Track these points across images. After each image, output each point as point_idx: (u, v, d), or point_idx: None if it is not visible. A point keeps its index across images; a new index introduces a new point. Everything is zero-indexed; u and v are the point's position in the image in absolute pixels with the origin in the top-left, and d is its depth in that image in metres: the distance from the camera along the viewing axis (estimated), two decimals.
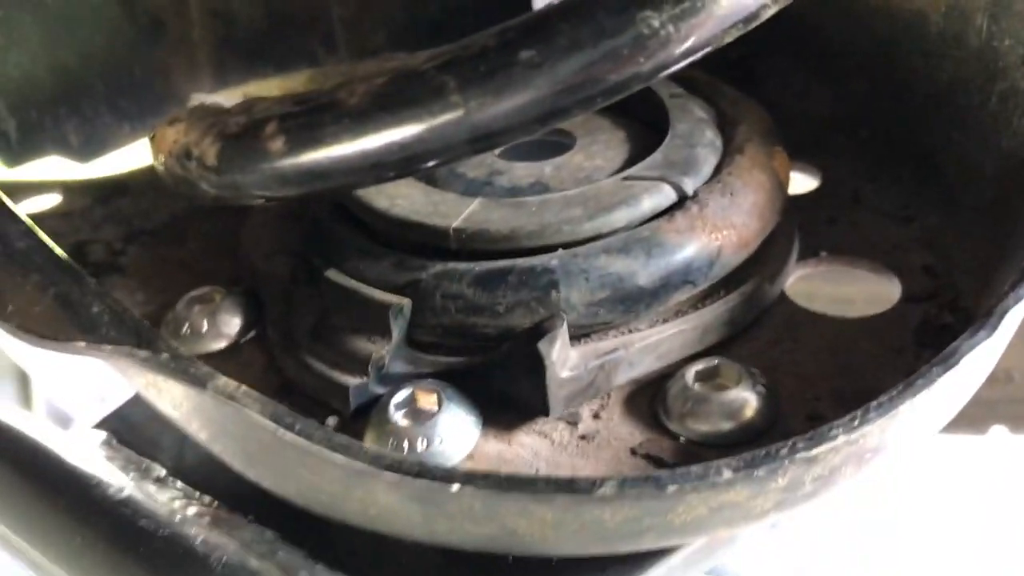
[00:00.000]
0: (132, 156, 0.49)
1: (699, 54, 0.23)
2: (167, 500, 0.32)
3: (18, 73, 0.47)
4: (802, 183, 0.42)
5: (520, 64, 0.22)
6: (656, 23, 0.22)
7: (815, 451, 0.24)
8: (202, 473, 0.35)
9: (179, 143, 0.27)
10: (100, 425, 0.38)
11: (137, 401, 0.40)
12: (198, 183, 0.27)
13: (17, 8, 0.46)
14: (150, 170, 0.45)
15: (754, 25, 0.24)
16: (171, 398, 0.28)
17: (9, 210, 0.29)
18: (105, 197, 0.44)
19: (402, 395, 0.30)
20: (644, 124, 0.37)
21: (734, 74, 0.43)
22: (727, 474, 0.23)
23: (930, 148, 0.39)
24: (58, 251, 0.28)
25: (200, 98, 0.32)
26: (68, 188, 0.45)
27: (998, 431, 0.72)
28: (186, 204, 0.43)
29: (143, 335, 0.25)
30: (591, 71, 0.22)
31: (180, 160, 0.27)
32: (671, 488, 0.23)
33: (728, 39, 0.23)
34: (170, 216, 0.42)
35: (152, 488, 0.32)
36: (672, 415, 0.30)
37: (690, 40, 0.23)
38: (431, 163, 0.24)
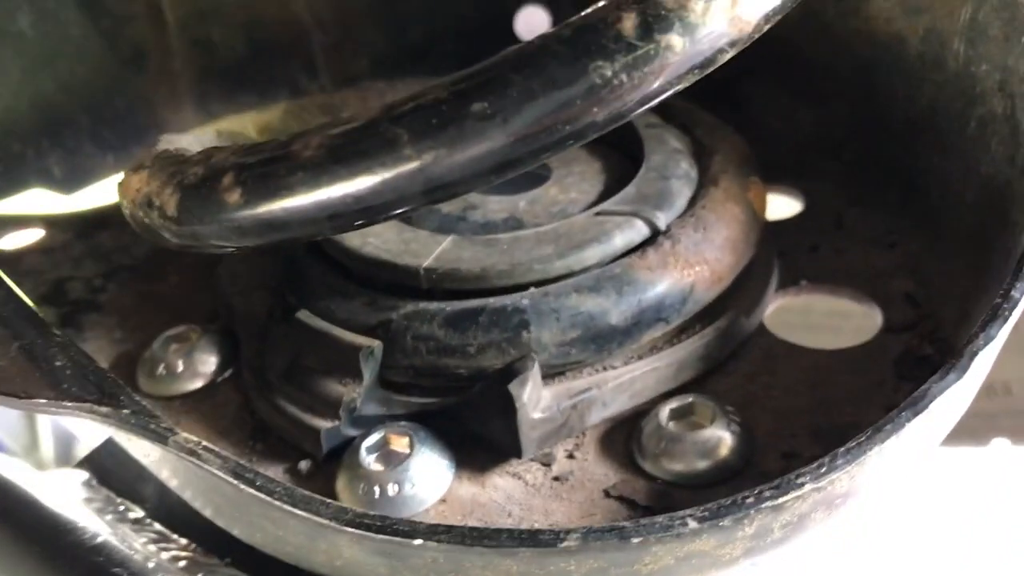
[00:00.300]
0: (108, 194, 0.49)
1: (655, 100, 0.23)
2: (142, 544, 0.32)
3: (0, 106, 0.47)
4: (785, 206, 0.42)
5: (472, 116, 0.22)
6: (608, 72, 0.22)
7: (782, 499, 0.23)
8: (180, 514, 0.35)
9: (142, 191, 0.27)
10: (81, 464, 0.38)
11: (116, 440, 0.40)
12: (160, 231, 0.27)
13: None
14: None
15: (711, 69, 0.23)
16: (139, 447, 0.28)
17: None
18: (86, 232, 0.44)
19: (374, 438, 0.30)
20: (620, 153, 0.37)
21: (716, 97, 0.42)
22: (692, 524, 0.23)
23: (913, 172, 0.38)
24: (26, 301, 0.28)
25: (169, 139, 0.32)
26: (49, 222, 0.45)
27: (999, 443, 0.72)
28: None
29: (106, 389, 0.25)
30: (544, 122, 0.22)
31: (143, 208, 0.27)
32: (636, 540, 0.23)
33: (685, 84, 0.23)
34: (150, 250, 0.42)
35: (129, 531, 0.32)
36: (647, 455, 0.29)
37: (644, 88, 0.22)
38: (388, 214, 0.24)
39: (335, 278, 0.33)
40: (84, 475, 0.37)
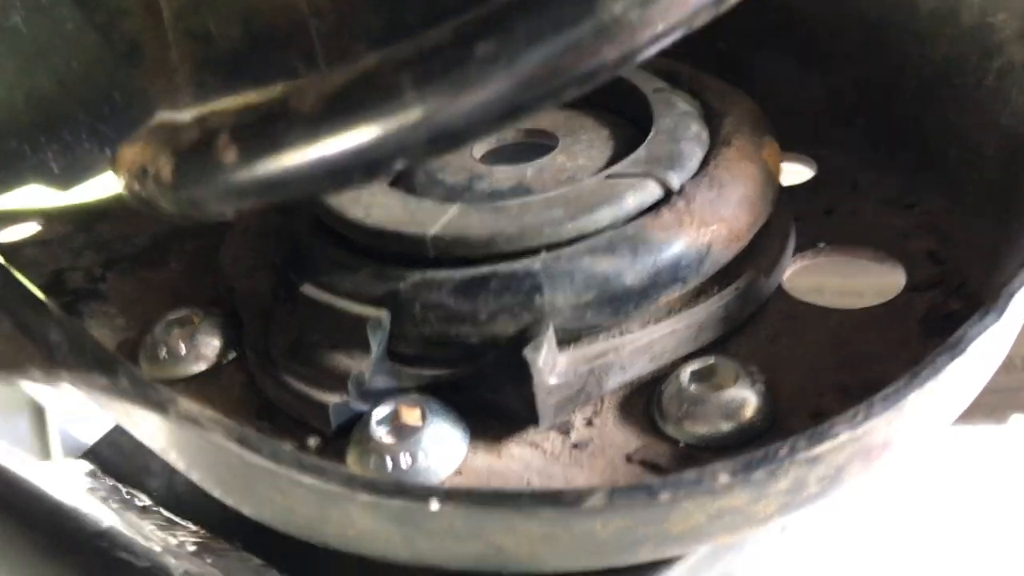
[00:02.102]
0: (114, 183, 0.48)
1: (668, 40, 0.22)
2: (150, 530, 0.31)
3: None
4: (798, 174, 0.41)
5: (477, 59, 0.21)
6: (618, 9, 0.21)
7: (817, 450, 0.22)
8: (189, 500, 0.34)
9: (136, 162, 0.26)
10: (86, 455, 0.37)
11: (121, 429, 0.39)
12: (157, 201, 0.26)
13: None
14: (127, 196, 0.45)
15: (726, 7, 0.22)
16: (144, 427, 0.27)
17: None
18: (85, 223, 0.43)
19: (384, 411, 0.29)
20: (627, 121, 0.36)
21: (723, 68, 0.41)
22: (724, 479, 0.22)
23: (928, 132, 0.37)
24: (19, 278, 0.27)
25: (164, 116, 0.31)
26: (48, 216, 0.44)
27: (1018, 419, 0.70)
28: (167, 225, 0.42)
29: (104, 362, 0.24)
30: (553, 63, 0.21)
31: (138, 179, 0.26)
32: (664, 496, 0.22)
33: (699, 23, 0.22)
34: (151, 239, 0.41)
35: (135, 518, 0.31)
36: (668, 418, 0.28)
37: (657, 25, 0.21)
38: (391, 166, 0.23)
39: (339, 252, 0.32)
40: (88, 466, 0.36)
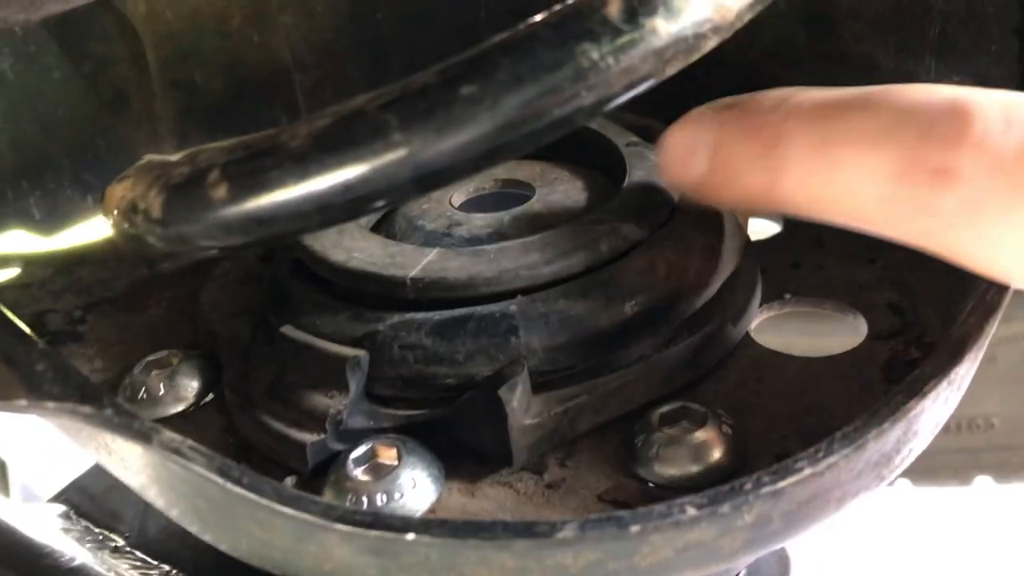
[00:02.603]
0: (95, 229, 0.49)
1: (641, 87, 0.23)
2: (124, 569, 0.31)
3: None
4: (765, 227, 0.42)
5: (461, 100, 0.22)
6: (595, 55, 0.22)
7: (780, 484, 0.23)
8: (163, 544, 0.34)
9: (126, 198, 0.27)
10: (57, 498, 0.37)
11: (95, 472, 0.39)
12: (146, 237, 0.26)
13: None
14: (109, 240, 0.45)
15: (695, 57, 0.24)
16: (121, 459, 0.27)
17: None
18: (65, 267, 0.43)
19: (361, 450, 0.29)
20: (601, 173, 0.37)
21: None
22: (691, 511, 0.23)
23: None
24: (4, 312, 0.27)
25: (152, 156, 0.32)
26: (28, 260, 0.44)
27: (983, 481, 0.71)
28: (146, 271, 0.42)
29: (88, 393, 0.24)
30: (533, 105, 0.22)
31: (127, 215, 0.27)
32: (634, 528, 0.22)
33: (670, 71, 0.23)
34: (130, 284, 0.42)
35: (109, 558, 0.31)
36: (639, 460, 0.29)
37: (630, 73, 0.22)
38: (377, 204, 0.23)
39: (319, 295, 0.33)
40: (60, 508, 0.36)
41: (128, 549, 0.33)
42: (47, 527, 0.32)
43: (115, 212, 0.28)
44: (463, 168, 0.23)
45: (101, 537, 0.34)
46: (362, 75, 0.51)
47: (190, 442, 0.23)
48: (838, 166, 0.25)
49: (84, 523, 0.35)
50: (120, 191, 0.28)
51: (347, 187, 0.23)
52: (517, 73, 0.22)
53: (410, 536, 0.22)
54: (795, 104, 0.26)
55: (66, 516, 0.35)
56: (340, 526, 0.22)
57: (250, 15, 0.48)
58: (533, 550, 0.22)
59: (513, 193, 0.37)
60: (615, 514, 0.22)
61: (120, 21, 0.48)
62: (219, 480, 0.23)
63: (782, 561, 0.32)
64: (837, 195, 0.25)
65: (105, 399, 0.24)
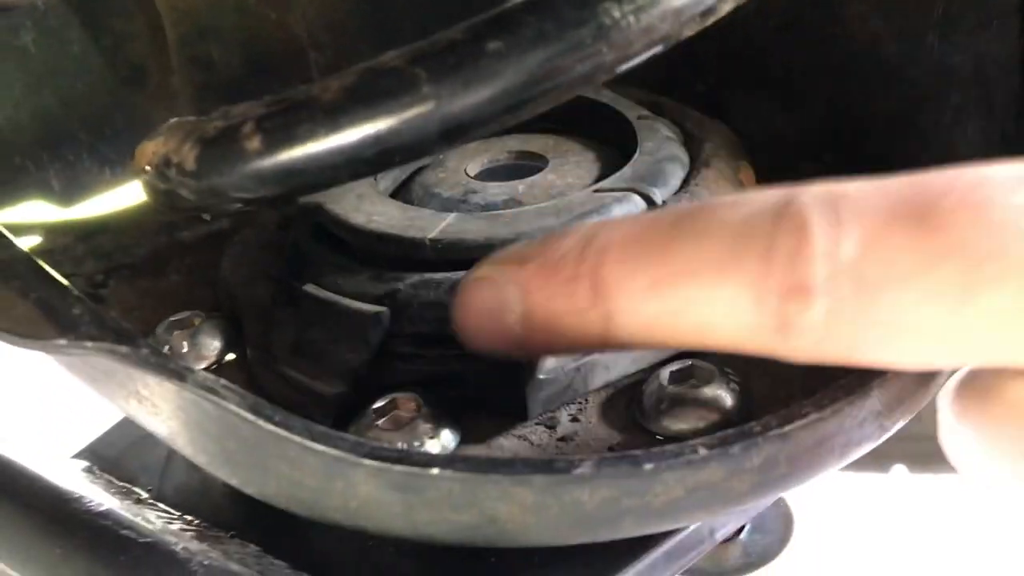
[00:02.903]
0: (113, 200, 0.50)
1: (658, 47, 0.24)
2: (148, 518, 0.32)
3: (2, 119, 0.47)
4: None
5: (488, 55, 0.23)
6: (617, 14, 0.23)
7: (787, 428, 0.24)
8: (184, 496, 0.35)
9: (159, 153, 0.28)
10: (80, 454, 0.38)
11: (116, 431, 0.40)
12: (178, 191, 0.27)
13: (1, 57, 0.47)
14: (130, 209, 0.47)
15: (711, 20, 0.25)
16: (152, 405, 0.28)
17: None
18: (85, 235, 0.44)
19: (381, 403, 0.30)
20: (612, 145, 0.38)
21: (699, 107, 0.44)
22: (703, 452, 0.24)
23: (895, 166, 0.40)
24: (38, 261, 0.28)
25: (180, 118, 0.33)
26: (49, 229, 0.45)
27: (899, 470, 0.72)
28: (165, 239, 0.43)
29: (123, 335, 0.25)
30: (556, 61, 0.23)
31: (160, 170, 0.28)
32: (648, 466, 0.23)
33: (687, 32, 0.24)
34: (151, 251, 0.43)
35: (133, 507, 0.32)
36: (649, 416, 0.30)
37: (649, 32, 0.24)
38: (404, 157, 0.25)
39: (339, 258, 0.34)
40: (82, 463, 0.37)
41: (151, 501, 0.34)
42: (72, 476, 0.33)
43: (147, 168, 0.29)
44: (488, 122, 0.24)
45: (124, 490, 0.35)
46: (374, 53, 0.52)
47: (223, 381, 0.24)
48: (684, 306, 0.23)
49: (107, 477, 0.36)
50: (152, 147, 0.29)
51: (377, 139, 0.24)
52: (542, 30, 0.23)
53: (435, 471, 0.23)
54: (603, 246, 0.24)
55: (88, 471, 0.36)
56: (368, 461, 0.24)
57: None
58: (551, 485, 0.23)
59: (526, 164, 0.38)
60: (630, 453, 0.24)
61: None
62: (251, 418, 0.24)
63: (785, 518, 0.33)
64: (689, 333, 0.24)
65: (140, 341, 0.25)
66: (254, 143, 0.25)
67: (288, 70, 0.51)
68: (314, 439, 0.24)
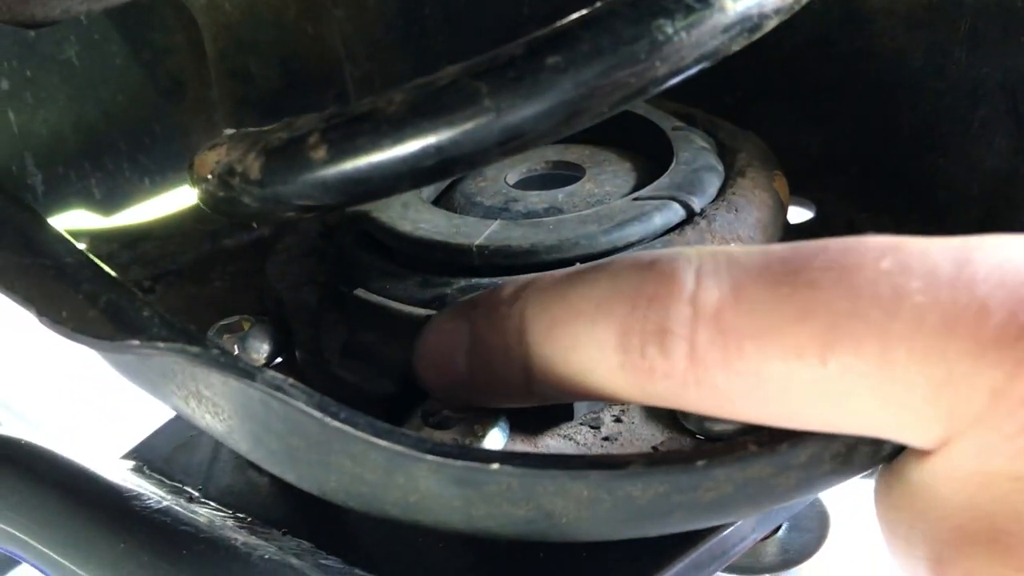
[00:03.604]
0: (152, 210, 0.51)
1: (708, 62, 0.25)
2: (201, 515, 0.33)
3: (45, 129, 0.49)
4: (797, 215, 0.44)
5: (547, 69, 0.24)
6: (669, 30, 0.24)
7: None
8: (231, 496, 0.36)
9: (221, 162, 0.29)
10: (128, 455, 0.39)
11: (160, 434, 0.41)
12: (240, 199, 0.29)
13: (46, 69, 0.48)
14: (172, 217, 0.48)
15: (757, 36, 0.26)
16: (212, 405, 0.29)
17: (54, 230, 0.31)
18: (130, 243, 0.45)
19: (431, 404, 0.31)
20: (648, 156, 0.39)
21: (728, 118, 0.45)
22: (752, 448, 0.25)
23: (918, 176, 0.41)
24: (104, 267, 0.30)
25: (230, 132, 0.34)
26: (94, 236, 0.46)
27: None
28: (208, 247, 0.45)
29: (193, 336, 0.26)
30: (611, 75, 0.24)
31: (223, 178, 0.29)
32: (700, 463, 0.24)
33: (735, 47, 0.25)
34: (194, 258, 0.44)
35: (187, 505, 0.33)
36: (690, 417, 0.31)
37: (700, 47, 0.25)
38: (464, 167, 0.26)
39: (387, 264, 0.35)
40: (131, 463, 0.38)
41: (201, 500, 0.35)
42: (129, 476, 0.34)
43: (209, 176, 0.30)
44: (545, 133, 0.25)
45: (176, 489, 0.36)
46: (408, 68, 0.53)
47: (290, 380, 0.25)
48: (570, 345, 0.25)
49: (157, 477, 0.37)
50: (214, 156, 0.30)
51: (439, 149, 0.25)
52: (598, 45, 0.24)
53: (494, 466, 0.24)
54: (530, 291, 0.26)
55: (139, 470, 0.37)
56: (430, 457, 0.25)
57: (305, 8, 0.51)
58: (606, 480, 0.24)
59: (564, 174, 0.39)
60: (682, 450, 0.25)
61: (180, 12, 0.50)
62: (318, 415, 0.25)
63: (822, 517, 0.34)
64: (576, 375, 0.25)
65: (208, 342, 0.26)
66: (320, 153, 0.26)
67: (324, 83, 0.53)
68: (378, 435, 0.25)
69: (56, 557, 0.32)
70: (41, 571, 0.33)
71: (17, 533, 0.33)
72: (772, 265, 0.23)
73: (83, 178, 0.50)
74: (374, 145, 0.25)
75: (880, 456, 0.26)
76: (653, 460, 0.24)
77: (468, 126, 0.25)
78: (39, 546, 0.32)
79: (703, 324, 0.23)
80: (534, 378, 0.26)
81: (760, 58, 0.46)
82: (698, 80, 0.40)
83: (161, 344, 0.26)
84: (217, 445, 0.40)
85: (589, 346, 0.25)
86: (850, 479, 0.27)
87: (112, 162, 0.51)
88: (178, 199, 0.52)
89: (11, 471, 0.34)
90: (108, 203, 0.51)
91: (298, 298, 0.37)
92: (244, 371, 0.25)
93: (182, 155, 0.52)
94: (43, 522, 0.32)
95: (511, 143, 0.25)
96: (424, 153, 0.25)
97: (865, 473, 0.28)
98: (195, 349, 0.26)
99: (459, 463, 0.24)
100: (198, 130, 0.52)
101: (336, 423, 0.25)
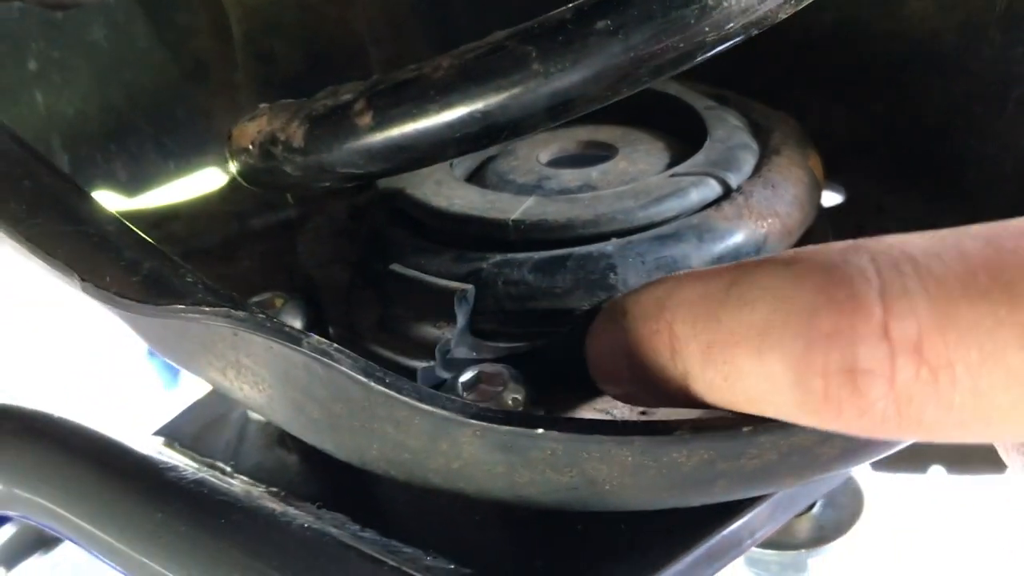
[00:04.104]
0: (176, 191, 0.51)
1: (755, 29, 0.25)
2: (234, 487, 0.33)
3: (71, 111, 0.49)
4: (827, 198, 0.44)
5: (596, 33, 0.24)
6: None
7: None
8: (264, 472, 0.36)
9: (263, 131, 0.29)
10: (159, 432, 0.39)
11: (188, 413, 0.41)
12: (282, 167, 0.29)
13: (72, 50, 0.49)
14: (198, 198, 0.48)
15: (803, 5, 0.26)
16: (252, 374, 0.29)
17: (94, 200, 0.30)
18: (157, 222, 0.45)
19: (468, 375, 0.31)
20: (680, 136, 0.39)
21: (759, 101, 0.45)
22: None
23: (950, 158, 0.41)
24: (145, 236, 0.29)
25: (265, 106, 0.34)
26: (121, 215, 0.46)
27: (936, 471, 0.72)
28: (237, 226, 0.45)
29: (237, 303, 0.26)
30: (661, 39, 0.24)
31: (264, 148, 0.29)
32: (745, 428, 0.24)
33: (783, 14, 0.25)
34: (222, 238, 0.44)
35: (222, 478, 0.33)
36: None
37: (747, 13, 0.25)
38: (511, 132, 0.26)
39: (421, 240, 0.35)
40: (162, 439, 0.38)
41: (234, 474, 0.35)
42: (162, 451, 0.35)
43: (249, 146, 0.30)
44: (593, 98, 0.25)
45: (208, 463, 0.36)
46: (433, 51, 0.53)
47: (335, 345, 0.25)
48: (732, 374, 0.22)
49: (189, 453, 0.37)
50: (255, 127, 0.30)
51: (486, 114, 0.25)
52: (648, 10, 0.24)
53: (539, 431, 0.24)
54: (676, 303, 0.24)
55: (169, 445, 0.37)
56: (475, 422, 0.24)
57: None
58: (652, 447, 0.24)
59: (596, 154, 0.39)
60: (729, 416, 0.24)
61: None
62: (364, 379, 0.25)
63: (856, 494, 0.34)
64: (743, 403, 0.23)
65: (252, 307, 0.26)
66: (365, 119, 0.26)
67: (348, 66, 0.53)
68: (423, 400, 0.25)
69: (92, 529, 0.32)
70: (76, 544, 0.33)
71: (51, 506, 0.33)
72: (976, 273, 0.19)
73: (108, 160, 0.50)
74: (421, 110, 0.25)
75: None
76: (699, 426, 0.24)
77: (516, 91, 0.25)
78: (74, 518, 0.32)
79: (903, 360, 0.19)
80: (696, 395, 0.24)
81: (790, 41, 0.46)
82: (727, 64, 0.40)
83: (207, 308, 0.25)
84: (245, 425, 0.40)
85: (757, 379, 0.22)
86: (893, 450, 0.27)
87: (137, 144, 0.51)
88: (202, 182, 0.52)
89: (42, 444, 0.34)
90: (133, 185, 0.51)
91: (328, 276, 0.37)
92: (291, 336, 0.25)
93: (206, 138, 0.52)
94: (78, 494, 0.32)
95: (559, 108, 0.25)
96: (471, 118, 0.25)
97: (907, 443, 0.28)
98: (241, 314, 0.25)
99: (504, 428, 0.24)
100: (222, 112, 0.52)
101: (381, 387, 0.25)
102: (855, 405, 0.20)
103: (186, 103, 0.52)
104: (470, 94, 0.25)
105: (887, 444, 0.27)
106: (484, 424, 0.24)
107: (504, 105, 0.25)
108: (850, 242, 0.21)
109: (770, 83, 0.47)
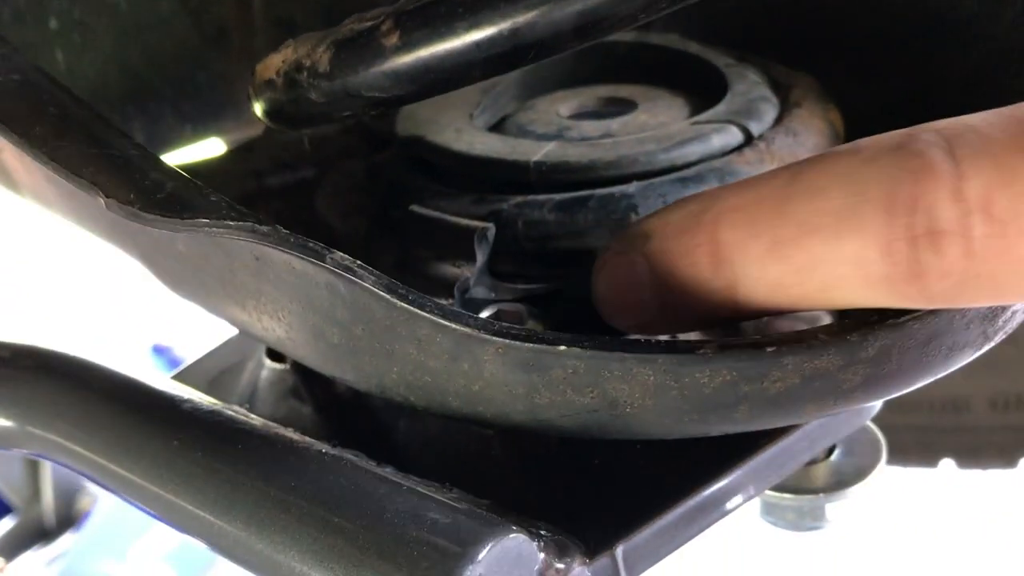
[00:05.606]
0: (194, 154, 0.52)
1: None
2: (251, 422, 0.33)
3: (92, 72, 0.49)
4: None
5: None
6: None
7: (902, 319, 0.25)
8: (278, 419, 0.36)
9: (289, 60, 0.29)
10: (176, 377, 0.39)
11: (204, 360, 0.41)
12: (307, 95, 0.29)
13: (95, 11, 0.49)
14: (214, 159, 0.48)
15: None
16: (273, 303, 0.29)
17: (117, 128, 0.31)
18: None
19: (486, 313, 0.31)
20: (700, 95, 0.39)
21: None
22: (822, 337, 0.24)
23: None
24: (161, 160, 0.30)
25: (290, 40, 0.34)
26: None
27: (947, 464, 0.72)
28: (254, 184, 0.45)
29: (261, 221, 0.26)
30: None
31: (289, 76, 0.29)
32: (769, 348, 0.24)
33: None
34: (239, 196, 0.44)
35: (239, 410, 0.33)
36: (746, 330, 0.31)
37: None
38: (538, 53, 0.26)
39: (441, 185, 0.35)
40: (178, 383, 0.38)
41: (248, 412, 0.35)
42: (176, 386, 0.34)
43: (273, 77, 0.30)
44: (623, 17, 0.25)
45: (225, 404, 0.36)
46: None
47: (359, 262, 0.25)
48: (808, 265, 0.23)
49: (206, 395, 0.37)
50: (280, 58, 0.30)
51: (514, 32, 0.25)
52: None
53: (562, 347, 0.24)
54: (719, 211, 0.24)
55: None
56: (497, 339, 0.24)
57: None
58: (674, 365, 0.24)
59: (617, 109, 0.39)
60: (753, 336, 0.24)
61: None
62: (386, 296, 0.25)
63: (874, 443, 0.34)
64: (816, 292, 0.24)
65: (276, 224, 0.26)
66: (392, 39, 0.26)
67: None
68: (446, 317, 0.25)
69: (106, 463, 0.32)
70: (91, 479, 0.33)
71: (66, 443, 0.33)
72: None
73: (126, 121, 0.50)
74: (449, 29, 0.25)
75: None
76: (723, 345, 0.24)
77: (544, 7, 0.25)
78: (89, 453, 0.32)
79: (977, 218, 0.21)
80: (744, 303, 0.25)
81: (807, 8, 0.46)
82: (744, 32, 0.40)
83: (232, 223, 0.26)
84: (259, 373, 0.40)
85: (838, 263, 0.23)
86: (912, 387, 0.27)
87: (155, 107, 0.51)
88: (219, 146, 0.52)
89: (51, 380, 0.34)
90: (150, 147, 0.50)
91: (348, 226, 0.37)
92: (314, 251, 0.25)
93: (224, 103, 0.53)
94: (92, 428, 0.32)
95: (588, 27, 0.25)
96: (499, 36, 0.25)
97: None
98: (265, 228, 0.26)
99: (527, 345, 0.24)
100: (241, 79, 0.52)
101: (404, 304, 0.25)
102: (938, 268, 0.21)
103: (206, 68, 0.52)
104: (499, 12, 0.25)
105: (907, 376, 0.27)
106: (506, 341, 0.24)
107: (532, 23, 0.25)
108: (908, 128, 0.23)
109: (787, 52, 0.47)
